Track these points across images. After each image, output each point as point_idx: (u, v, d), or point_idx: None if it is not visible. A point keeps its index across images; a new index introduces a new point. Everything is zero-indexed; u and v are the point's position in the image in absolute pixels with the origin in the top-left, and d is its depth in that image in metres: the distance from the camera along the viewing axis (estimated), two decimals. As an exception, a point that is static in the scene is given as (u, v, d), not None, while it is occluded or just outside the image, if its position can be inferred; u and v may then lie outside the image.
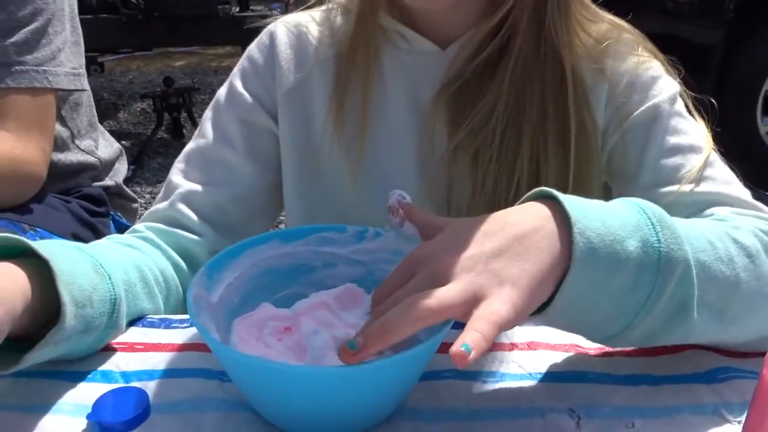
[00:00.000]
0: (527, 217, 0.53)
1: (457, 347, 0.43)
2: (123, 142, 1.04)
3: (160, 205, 0.80)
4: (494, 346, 0.63)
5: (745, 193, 0.72)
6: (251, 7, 4.42)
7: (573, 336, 0.62)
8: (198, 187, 0.79)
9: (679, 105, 0.77)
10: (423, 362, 0.52)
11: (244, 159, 0.80)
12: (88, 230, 1.05)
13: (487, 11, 0.75)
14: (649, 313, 0.52)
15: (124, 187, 1.21)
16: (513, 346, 0.63)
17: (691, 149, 0.74)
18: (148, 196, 3.23)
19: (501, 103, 0.74)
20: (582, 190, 0.76)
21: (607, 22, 0.79)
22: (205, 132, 0.82)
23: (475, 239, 0.52)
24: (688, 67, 0.80)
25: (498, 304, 0.47)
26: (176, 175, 0.81)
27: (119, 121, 4.47)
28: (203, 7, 3.79)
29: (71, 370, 0.60)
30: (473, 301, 0.48)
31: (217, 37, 4.06)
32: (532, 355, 0.62)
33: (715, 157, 0.74)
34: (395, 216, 0.60)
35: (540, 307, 0.52)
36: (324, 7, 0.84)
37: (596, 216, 0.52)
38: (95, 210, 1.09)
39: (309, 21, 0.83)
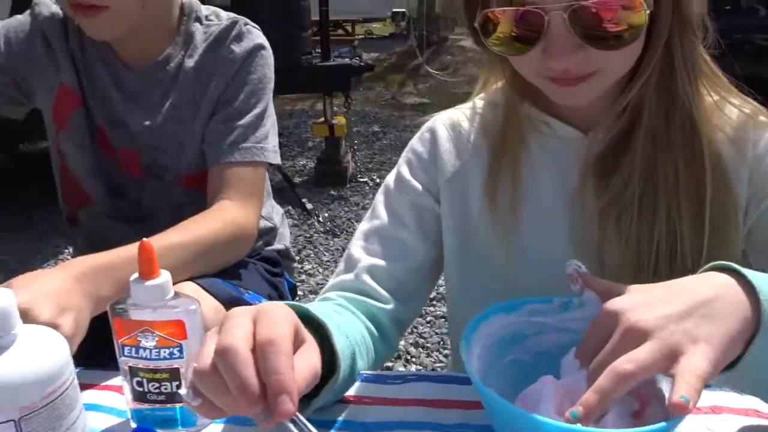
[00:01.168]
0: (706, 285, 0.60)
1: (676, 398, 0.51)
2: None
3: (345, 277, 0.90)
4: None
5: None
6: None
7: (753, 400, 0.70)
8: (380, 262, 0.90)
9: None
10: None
11: (416, 237, 0.92)
12: (273, 290, 1.17)
13: (623, 92, 0.82)
14: None
15: (290, 249, 1.34)
16: (698, 410, 0.71)
17: None
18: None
19: (636, 173, 0.82)
20: (719, 251, 0.80)
21: (738, 95, 0.85)
22: (378, 213, 0.94)
23: (663, 300, 0.58)
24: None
25: (697, 359, 0.54)
26: (357, 251, 0.92)
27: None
28: (289, 60, 3.99)
29: (321, 419, 0.70)
30: (671, 357, 0.54)
31: (301, 86, 4.28)
32: (717, 418, 0.70)
33: None
34: (574, 284, 0.69)
35: (727, 366, 0.58)
36: (470, 104, 0.96)
37: None
38: (273, 271, 1.21)
39: (462, 118, 0.95)
